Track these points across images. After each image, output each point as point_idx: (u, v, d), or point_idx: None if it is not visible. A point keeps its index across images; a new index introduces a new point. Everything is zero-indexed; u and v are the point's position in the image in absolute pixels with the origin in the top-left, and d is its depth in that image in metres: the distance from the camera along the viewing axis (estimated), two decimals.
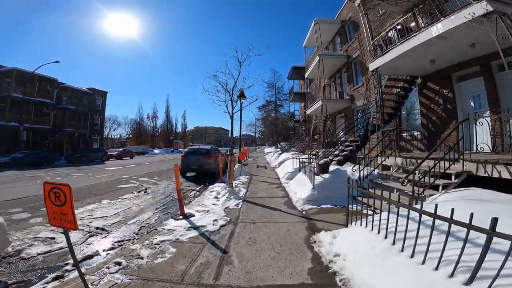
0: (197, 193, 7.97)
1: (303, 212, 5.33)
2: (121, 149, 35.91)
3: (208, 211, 5.41)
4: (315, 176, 6.04)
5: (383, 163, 6.46)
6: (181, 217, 5.01)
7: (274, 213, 5.26)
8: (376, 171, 6.13)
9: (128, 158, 30.64)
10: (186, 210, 5.46)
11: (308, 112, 18.69)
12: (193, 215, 5.10)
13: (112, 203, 6.64)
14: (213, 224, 4.58)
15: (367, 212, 3.56)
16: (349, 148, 8.85)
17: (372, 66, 7.92)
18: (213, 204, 5.93)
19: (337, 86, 16.49)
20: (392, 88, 9.09)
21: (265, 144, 56.17)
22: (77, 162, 23.49)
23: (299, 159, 9.20)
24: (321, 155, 9.78)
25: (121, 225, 5.01)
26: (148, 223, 5.13)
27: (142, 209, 6.13)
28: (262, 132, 52.75)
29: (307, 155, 10.46)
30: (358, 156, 9.41)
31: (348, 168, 6.88)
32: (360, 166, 5.92)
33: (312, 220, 4.80)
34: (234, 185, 7.25)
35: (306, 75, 18.64)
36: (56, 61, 22.62)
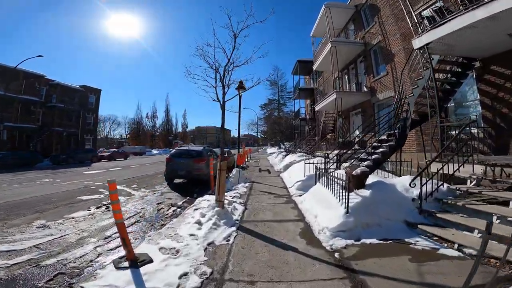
0: (178, 210, 5.85)
1: (336, 254, 3.19)
2: (114, 149, 34.06)
3: (178, 250, 3.29)
4: (346, 193, 3.90)
5: (443, 172, 4.33)
6: (126, 263, 2.91)
7: (287, 257, 3.13)
8: (445, 185, 4.00)
9: (122, 159, 28.81)
10: (144, 247, 3.37)
11: (317, 108, 16.51)
12: (150, 261, 2.99)
13: (46, 225, 4.55)
14: (178, 286, 2.49)
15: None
16: (380, 149, 6.71)
17: (419, 42, 5.87)
18: (191, 234, 3.81)
19: (352, 78, 14.35)
20: (436, 73, 6.96)
21: (268, 144, 53.91)
22: (63, 164, 21.62)
23: (314, 163, 7.06)
24: (344, 158, 7.64)
25: (25, 268, 3.01)
26: (72, 268, 3.06)
27: (83, 238, 4.03)
28: (264, 132, 50.69)
29: (323, 158, 8.29)
30: (392, 160, 7.30)
31: (396, 179, 4.71)
32: (422, 178, 3.75)
33: (358, 273, 2.69)
34: (227, 201, 5.13)
35: (315, 67, 16.52)
36: (39, 55, 20.77)
